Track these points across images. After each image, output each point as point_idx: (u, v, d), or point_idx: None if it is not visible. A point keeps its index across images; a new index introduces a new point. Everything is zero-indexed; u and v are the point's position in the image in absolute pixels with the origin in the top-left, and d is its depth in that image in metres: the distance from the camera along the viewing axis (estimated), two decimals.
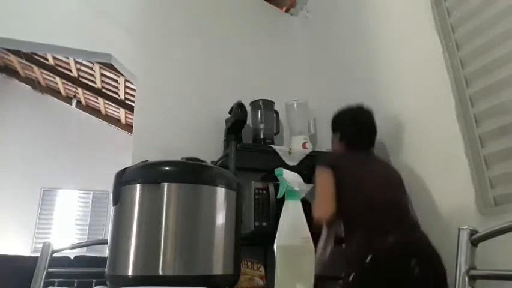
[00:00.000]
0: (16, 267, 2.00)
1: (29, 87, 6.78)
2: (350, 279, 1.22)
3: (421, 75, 1.53)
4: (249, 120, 2.10)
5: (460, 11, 1.40)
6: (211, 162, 2.02)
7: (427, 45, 1.49)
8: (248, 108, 2.09)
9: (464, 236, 0.70)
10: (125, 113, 6.51)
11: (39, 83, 6.67)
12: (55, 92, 6.90)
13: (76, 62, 5.49)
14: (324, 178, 1.40)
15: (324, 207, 1.34)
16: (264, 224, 1.72)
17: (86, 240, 6.06)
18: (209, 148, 2.10)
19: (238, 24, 2.53)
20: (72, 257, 2.40)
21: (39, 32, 2.08)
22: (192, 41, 2.37)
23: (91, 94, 6.41)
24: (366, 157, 1.50)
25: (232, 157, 1.80)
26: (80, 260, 2.43)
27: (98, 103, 6.77)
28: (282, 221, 0.77)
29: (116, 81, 5.59)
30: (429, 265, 1.20)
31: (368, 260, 1.20)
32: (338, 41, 2.20)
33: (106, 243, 0.85)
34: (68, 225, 6.51)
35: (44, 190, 6.45)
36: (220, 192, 0.82)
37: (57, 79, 6.32)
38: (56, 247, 1.41)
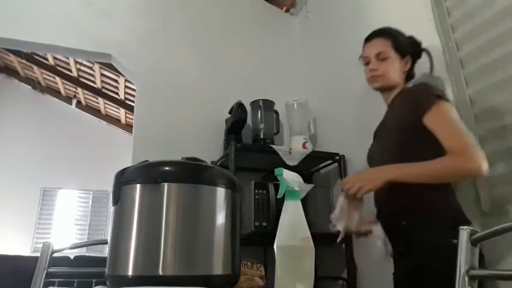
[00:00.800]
0: (16, 267, 2.00)
1: (29, 87, 6.79)
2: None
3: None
4: (249, 120, 2.10)
5: (460, 11, 1.40)
6: (211, 162, 2.02)
7: (427, 45, 1.49)
8: (248, 108, 2.09)
9: (464, 236, 0.70)
10: (125, 113, 6.52)
11: (39, 83, 6.67)
12: (55, 92, 6.90)
13: (76, 62, 5.50)
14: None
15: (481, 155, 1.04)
16: (264, 224, 1.72)
17: (86, 240, 6.06)
18: (209, 148, 2.10)
19: (238, 24, 2.53)
20: (72, 257, 2.41)
21: (39, 32, 2.08)
22: (192, 41, 2.37)
23: (91, 94, 6.41)
24: None
25: (232, 157, 1.80)
26: (80, 260, 2.43)
27: (98, 103, 6.77)
28: (282, 221, 0.77)
29: (116, 81, 5.59)
30: None
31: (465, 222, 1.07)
32: (338, 41, 2.20)
33: (106, 243, 0.85)
34: (68, 225, 6.51)
35: (44, 190, 6.45)
36: (220, 192, 0.82)
37: (57, 79, 6.32)
38: (56, 247, 1.41)
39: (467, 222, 1.07)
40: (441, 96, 1.15)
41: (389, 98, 1.33)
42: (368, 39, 1.36)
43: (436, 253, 1.01)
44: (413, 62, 1.34)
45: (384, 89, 1.34)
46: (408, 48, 1.33)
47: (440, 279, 0.94)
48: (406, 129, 1.18)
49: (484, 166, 1.03)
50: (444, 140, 1.09)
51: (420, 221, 1.11)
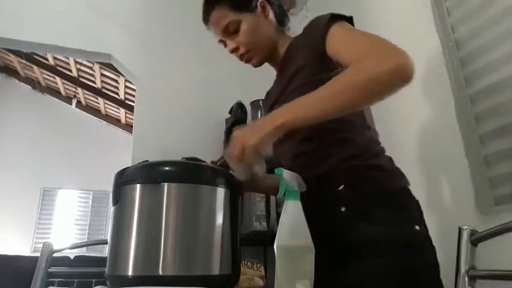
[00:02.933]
0: (16, 267, 2.00)
1: (29, 87, 6.80)
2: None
3: (421, 75, 1.53)
4: (249, 120, 2.10)
5: (460, 11, 1.39)
6: (211, 162, 2.01)
7: (427, 45, 1.49)
8: (248, 108, 2.09)
9: (464, 236, 0.70)
10: (125, 113, 6.53)
11: (39, 83, 6.68)
12: (55, 92, 6.91)
13: (76, 62, 5.51)
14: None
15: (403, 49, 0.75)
16: (264, 224, 1.72)
17: (86, 240, 6.06)
18: (209, 148, 2.10)
19: None
20: (72, 257, 2.41)
21: (39, 32, 2.08)
22: (192, 41, 2.36)
23: (91, 94, 6.42)
24: None
25: None
26: (80, 260, 2.43)
27: (98, 103, 6.78)
28: (282, 221, 0.77)
29: (116, 81, 5.60)
30: None
31: None
32: None
33: (106, 243, 0.85)
34: (68, 225, 6.52)
35: (44, 190, 6.46)
36: (220, 192, 0.82)
37: (57, 79, 6.33)
38: (56, 247, 1.42)
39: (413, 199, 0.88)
40: (337, 17, 0.90)
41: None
42: (204, 21, 1.02)
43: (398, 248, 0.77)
44: (271, 2, 1.03)
45: (268, 60, 1.05)
46: None
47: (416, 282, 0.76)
48: (311, 81, 0.84)
49: (404, 60, 0.73)
50: (345, 59, 0.80)
51: (365, 204, 0.82)
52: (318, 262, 0.76)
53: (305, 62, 0.91)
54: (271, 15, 1.02)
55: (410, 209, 0.85)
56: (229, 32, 0.98)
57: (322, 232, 0.83)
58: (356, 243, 0.80)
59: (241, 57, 1.03)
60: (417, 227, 0.81)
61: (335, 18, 0.89)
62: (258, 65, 1.06)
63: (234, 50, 1.01)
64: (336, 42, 0.85)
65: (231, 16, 0.96)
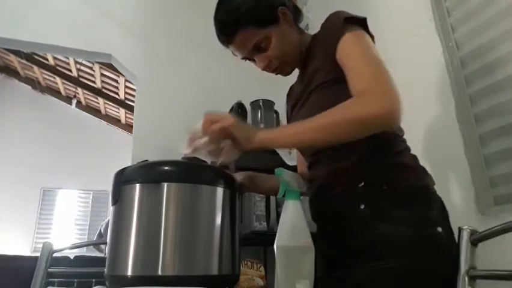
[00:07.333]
0: (16, 267, 2.00)
1: (29, 87, 6.80)
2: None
3: (421, 75, 1.53)
4: (249, 120, 2.10)
5: (460, 11, 1.39)
6: (211, 162, 2.02)
7: (427, 45, 1.49)
8: (248, 108, 2.09)
9: (464, 236, 0.70)
10: (125, 113, 6.53)
11: (39, 83, 6.68)
12: (55, 92, 6.92)
13: (76, 62, 5.51)
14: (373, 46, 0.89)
15: (397, 92, 0.77)
16: (264, 224, 1.72)
17: (86, 240, 6.06)
18: None
19: None
20: (72, 257, 2.41)
21: (39, 32, 2.08)
22: (192, 41, 2.36)
23: (91, 94, 6.42)
24: None
25: None
26: (80, 260, 2.43)
27: (98, 103, 6.78)
28: (282, 221, 0.77)
29: (116, 81, 5.60)
30: None
31: None
32: None
33: (106, 243, 0.85)
34: (68, 225, 6.52)
35: (44, 190, 6.46)
36: (220, 192, 0.82)
37: (57, 79, 6.33)
38: (56, 247, 1.42)
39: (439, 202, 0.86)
40: (351, 20, 0.88)
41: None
42: (226, 43, 0.99)
43: (415, 248, 0.77)
44: (286, 4, 0.99)
45: (297, 65, 1.03)
46: (267, 3, 0.94)
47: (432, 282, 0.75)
48: (329, 79, 0.90)
49: (388, 107, 0.75)
50: (349, 81, 0.83)
51: (383, 202, 0.82)
52: (330, 259, 0.79)
53: (322, 62, 0.92)
54: (289, 20, 0.99)
55: (432, 210, 0.83)
56: (259, 49, 0.96)
57: (340, 228, 0.86)
58: (370, 242, 0.80)
59: (274, 71, 1.01)
60: (439, 229, 0.79)
61: (350, 21, 0.88)
62: (291, 73, 1.04)
63: (266, 67, 1.00)
64: (344, 58, 0.86)
65: (259, 34, 0.93)
